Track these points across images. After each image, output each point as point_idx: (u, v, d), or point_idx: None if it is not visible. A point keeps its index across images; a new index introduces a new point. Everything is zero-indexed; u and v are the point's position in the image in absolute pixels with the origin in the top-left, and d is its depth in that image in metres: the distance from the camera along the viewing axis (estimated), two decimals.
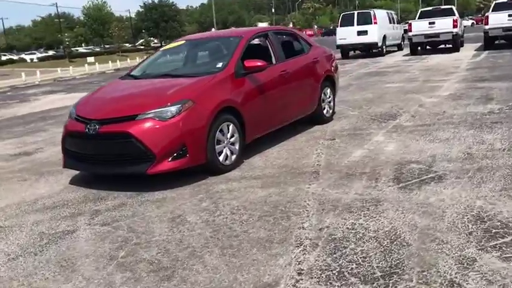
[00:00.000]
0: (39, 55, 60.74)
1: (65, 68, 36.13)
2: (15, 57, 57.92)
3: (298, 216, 3.94)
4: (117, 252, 3.54)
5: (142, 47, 73.69)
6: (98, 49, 70.61)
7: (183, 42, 7.08)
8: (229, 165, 5.42)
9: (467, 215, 3.65)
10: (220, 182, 5.05)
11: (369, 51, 22.14)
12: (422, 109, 8.13)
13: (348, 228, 3.62)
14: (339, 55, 20.43)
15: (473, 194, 4.06)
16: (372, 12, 22.13)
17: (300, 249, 3.34)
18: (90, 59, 48.16)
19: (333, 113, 7.90)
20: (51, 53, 64.36)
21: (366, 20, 21.35)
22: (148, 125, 4.84)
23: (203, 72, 5.81)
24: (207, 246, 3.51)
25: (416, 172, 4.80)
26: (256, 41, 6.82)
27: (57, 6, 64.07)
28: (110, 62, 39.87)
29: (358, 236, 3.46)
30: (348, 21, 21.78)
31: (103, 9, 65.90)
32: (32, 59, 58.14)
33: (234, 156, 5.49)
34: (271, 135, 6.45)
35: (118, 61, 41.89)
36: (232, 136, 5.45)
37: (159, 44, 75.62)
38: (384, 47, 21.85)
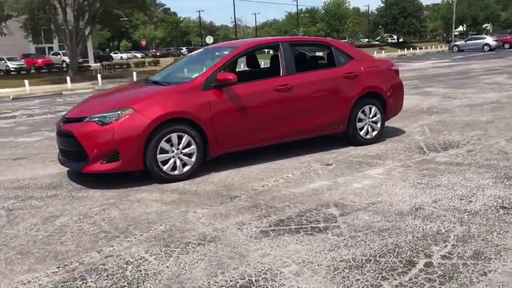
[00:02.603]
0: None
1: None
2: None
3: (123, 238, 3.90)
4: None
5: (377, 43, 73.15)
6: None
7: (202, 50, 7.22)
8: (178, 175, 5.45)
9: None
10: (146, 191, 5.17)
11: None
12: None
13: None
14: None
15: None
16: None
17: None
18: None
19: (378, 134, 6.96)
20: None
21: None
22: (88, 128, 5.26)
23: (177, 82, 5.93)
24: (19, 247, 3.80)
25: None
26: (271, 52, 6.54)
27: (297, 3, 67.78)
28: None
29: None
30: None
31: (342, 4, 67.48)
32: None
33: (187, 168, 5.49)
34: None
35: None
36: (186, 147, 5.45)
37: (396, 40, 73.93)
38: None
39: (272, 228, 3.96)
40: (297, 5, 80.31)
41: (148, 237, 3.90)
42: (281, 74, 6.20)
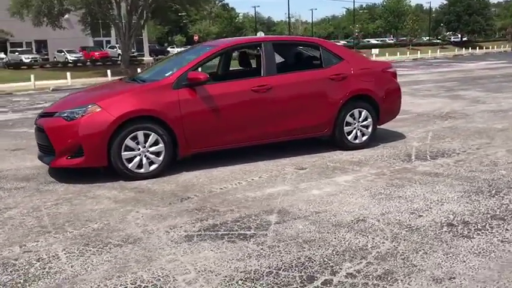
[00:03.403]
0: None
1: None
2: None
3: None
4: None
5: (438, 41, 70.49)
6: (390, 41, 70.89)
7: (189, 47, 7.19)
8: (145, 173, 5.47)
9: None
10: (107, 188, 5.23)
11: None
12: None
13: None
14: None
15: None
16: None
17: None
18: (375, 51, 50.05)
19: (369, 139, 6.68)
20: (342, 43, 67.96)
21: None
22: (56, 123, 5.38)
23: (151, 80, 5.94)
24: None
25: None
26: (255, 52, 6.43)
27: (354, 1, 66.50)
28: (397, 54, 41.88)
29: None
30: None
31: (402, 1, 65.47)
32: None
33: (153, 166, 5.50)
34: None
35: (408, 53, 43.25)
36: (153, 145, 5.47)
37: (459, 39, 70.96)
38: None
39: (200, 233, 3.89)
40: (354, 2, 78.65)
41: (76, 234, 3.93)
42: (261, 75, 6.06)
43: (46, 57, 45.26)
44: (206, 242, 3.70)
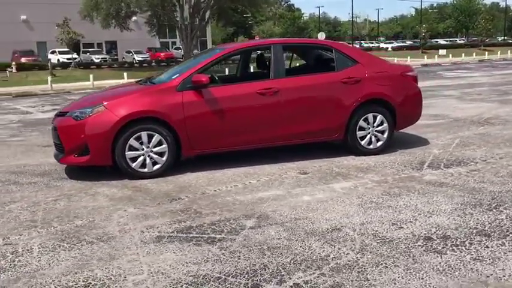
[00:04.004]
0: (396, 44, 63.27)
1: (414, 59, 37.51)
2: (372, 45, 62.40)
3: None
4: None
5: None
6: (461, 42, 67.85)
7: (207, 49, 7.25)
8: (148, 172, 5.63)
9: None
10: (109, 186, 5.40)
11: None
12: None
13: None
14: None
15: None
16: None
17: None
18: (442, 52, 48.57)
19: (385, 145, 6.47)
20: (408, 43, 65.94)
21: None
22: (67, 122, 5.65)
23: (160, 82, 6.07)
24: None
25: None
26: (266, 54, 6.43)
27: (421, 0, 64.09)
28: (463, 55, 40.64)
29: None
30: None
31: (473, 0, 62.50)
32: (387, 48, 61.31)
33: (157, 166, 5.64)
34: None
35: (474, 54, 41.85)
36: (157, 146, 5.61)
37: None
38: None
39: (172, 234, 3.95)
40: (421, 1, 75.82)
41: (59, 230, 4.11)
42: (270, 77, 6.03)
43: (115, 57, 47.31)
44: (173, 244, 3.74)
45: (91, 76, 21.10)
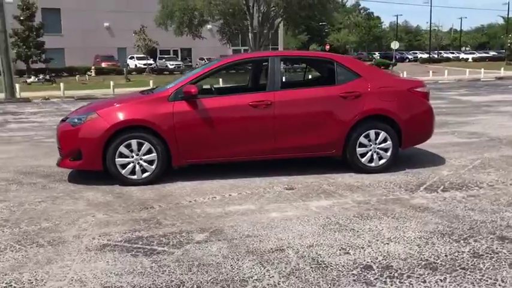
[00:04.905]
0: (478, 55, 60.02)
1: (492, 70, 35.15)
2: (451, 55, 59.70)
3: None
4: None
5: None
6: None
7: (216, 59, 7.29)
8: (137, 179, 5.77)
9: None
10: (97, 190, 5.59)
11: None
12: None
13: None
14: None
15: None
16: None
17: None
18: None
19: (388, 163, 6.18)
20: (491, 53, 62.29)
21: None
22: (65, 127, 5.93)
23: (158, 91, 6.20)
24: None
25: None
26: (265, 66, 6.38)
27: (508, 7, 60.21)
28: None
29: None
30: None
31: None
32: (467, 59, 58.35)
33: (146, 174, 5.77)
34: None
35: None
36: (147, 154, 5.74)
37: None
38: None
39: (119, 243, 4.01)
40: (508, 9, 71.19)
41: (22, 231, 4.31)
42: (266, 90, 5.98)
43: (189, 64, 48.85)
44: (112, 253, 3.80)
45: (151, 82, 21.91)
